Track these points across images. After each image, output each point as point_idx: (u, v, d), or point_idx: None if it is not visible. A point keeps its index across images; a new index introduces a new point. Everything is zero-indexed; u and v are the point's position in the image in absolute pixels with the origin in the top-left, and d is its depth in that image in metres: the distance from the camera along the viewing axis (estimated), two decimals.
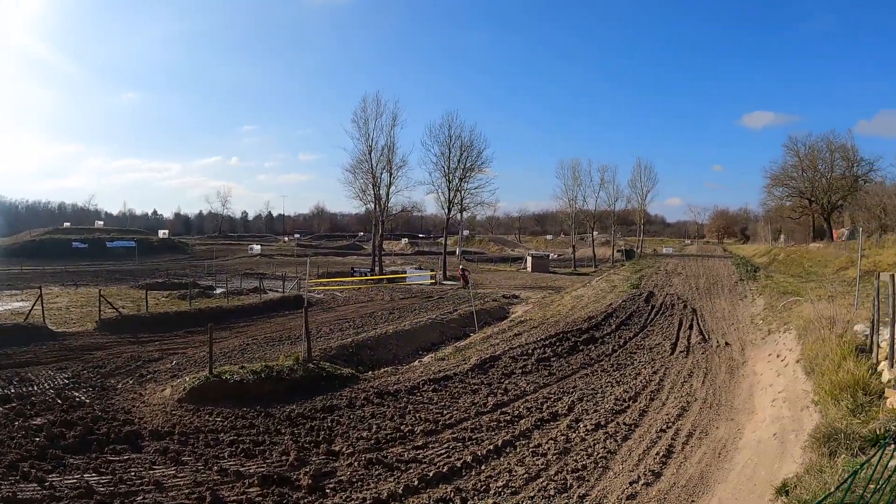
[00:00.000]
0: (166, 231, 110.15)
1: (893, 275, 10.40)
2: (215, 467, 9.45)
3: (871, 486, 4.64)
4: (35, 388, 14.66)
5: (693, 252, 77.99)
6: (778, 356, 15.69)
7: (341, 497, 8.63)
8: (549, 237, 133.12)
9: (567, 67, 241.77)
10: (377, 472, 9.54)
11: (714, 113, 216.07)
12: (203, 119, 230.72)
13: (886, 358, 9.70)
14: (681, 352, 18.74)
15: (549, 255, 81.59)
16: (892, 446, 5.56)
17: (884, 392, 8.83)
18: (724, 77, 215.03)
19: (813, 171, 73.47)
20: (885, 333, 10.31)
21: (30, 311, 23.25)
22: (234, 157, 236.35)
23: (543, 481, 9.28)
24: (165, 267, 62.00)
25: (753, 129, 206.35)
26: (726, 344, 19.47)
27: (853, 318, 14.56)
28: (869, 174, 71.43)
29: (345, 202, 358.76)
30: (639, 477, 9.36)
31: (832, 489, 5.62)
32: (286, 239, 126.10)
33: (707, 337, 20.81)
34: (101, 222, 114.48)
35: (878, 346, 10.83)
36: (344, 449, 10.49)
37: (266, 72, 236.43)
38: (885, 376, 9.31)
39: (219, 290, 39.72)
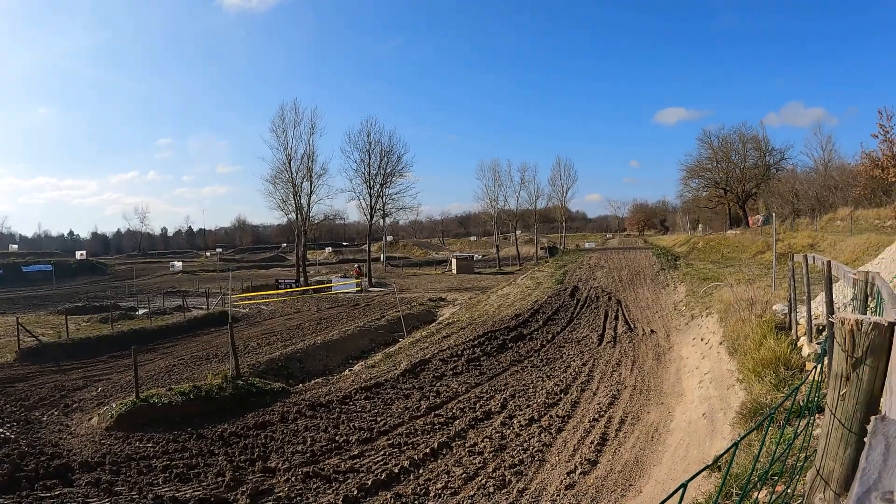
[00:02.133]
0: (84, 252, 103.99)
1: (807, 256, 10.77)
2: (150, 495, 9.01)
3: (802, 455, 4.68)
4: None
5: (615, 245, 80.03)
6: (702, 339, 16.09)
7: None
8: (472, 238, 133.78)
9: (478, 73, 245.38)
10: (315, 486, 9.32)
11: (629, 111, 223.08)
12: (118, 133, 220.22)
13: (805, 333, 10.01)
14: (608, 342, 19.03)
15: (473, 257, 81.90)
16: (816, 416, 5.62)
17: (805, 366, 9.08)
18: (637, 77, 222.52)
19: (727, 163, 76.63)
20: (802, 311, 10.66)
21: None
22: (151, 171, 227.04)
23: (482, 479, 9.23)
24: (85, 290, 58.56)
25: (667, 125, 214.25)
26: (652, 331, 19.90)
27: (771, 298, 15.06)
28: (781, 163, 75.22)
29: (266, 213, 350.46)
30: (576, 467, 9.36)
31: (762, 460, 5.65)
32: (208, 254, 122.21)
33: (633, 326, 21.23)
34: (16, 245, 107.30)
35: (797, 323, 11.20)
36: (280, 465, 10.23)
37: (180, 83, 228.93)
38: (805, 350, 9.60)
39: (141, 311, 38.08)
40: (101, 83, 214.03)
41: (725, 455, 7.17)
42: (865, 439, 1.09)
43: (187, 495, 9.01)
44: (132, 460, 10.68)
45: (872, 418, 0.96)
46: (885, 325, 1.58)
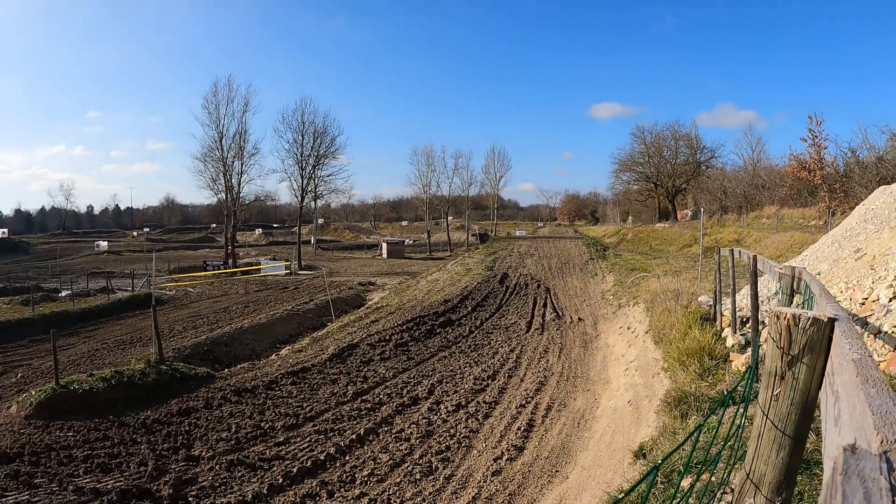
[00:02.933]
0: (5, 230, 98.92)
1: (733, 250, 11.03)
2: (71, 487, 8.65)
3: (717, 443, 4.73)
4: None
5: (546, 234, 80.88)
6: (628, 328, 16.39)
7: None
8: (404, 223, 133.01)
9: (418, 60, 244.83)
10: (240, 474, 9.09)
11: (564, 103, 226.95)
12: (46, 104, 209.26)
13: (729, 325, 10.27)
14: (536, 329, 19.18)
15: (404, 241, 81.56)
16: (739, 405, 5.70)
17: (728, 356, 9.31)
18: (573, 70, 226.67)
19: (659, 158, 78.52)
20: (727, 303, 10.93)
21: None
22: (79, 145, 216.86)
23: (409, 466, 9.15)
24: (5, 270, 55.61)
25: (601, 119, 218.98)
26: (579, 319, 20.17)
27: (697, 290, 15.46)
28: (711, 160, 77.62)
29: (196, 193, 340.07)
30: (502, 453, 9.36)
31: (685, 449, 5.71)
32: (135, 234, 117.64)
33: (561, 314, 21.47)
34: None
35: (722, 315, 11.48)
36: (204, 453, 9.93)
37: (113, 53, 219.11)
38: (729, 341, 9.83)
39: (64, 293, 36.48)
40: (31, 48, 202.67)
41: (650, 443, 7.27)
42: (829, 478, 0.92)
43: (109, 486, 8.68)
44: (52, 450, 10.23)
45: (840, 452, 0.80)
46: (825, 320, 1.49)
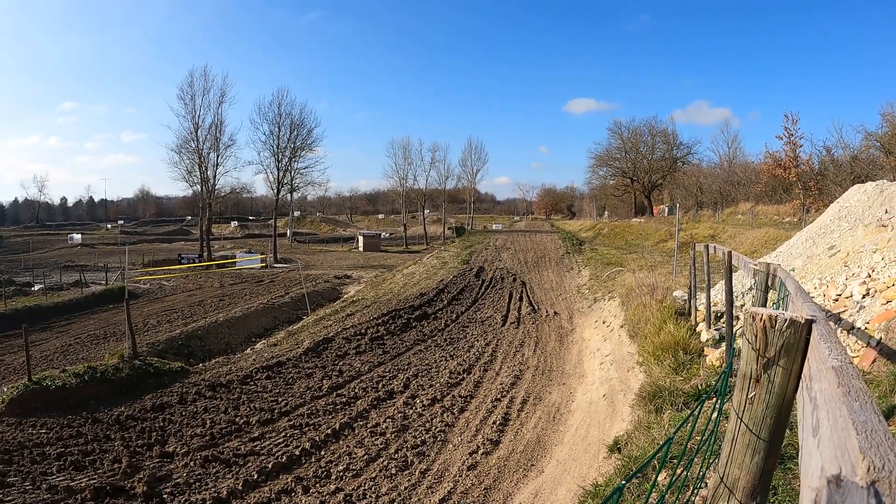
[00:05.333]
0: None
1: (708, 245, 11.11)
2: (44, 485, 8.55)
3: (697, 438, 4.75)
4: None
5: (522, 228, 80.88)
6: (604, 322, 16.46)
7: (179, 501, 8.09)
8: (380, 216, 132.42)
9: (394, 53, 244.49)
10: (215, 470, 9.02)
11: (541, 99, 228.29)
12: (20, 95, 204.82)
13: (704, 320, 10.34)
14: (512, 323, 19.19)
15: (380, 234, 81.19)
16: (714, 399, 5.73)
17: (703, 351, 9.38)
18: (549, 67, 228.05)
19: (635, 153, 78.93)
20: (701, 298, 11.02)
21: None
22: (53, 136, 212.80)
23: (384, 461, 9.11)
24: None
25: (576, 115, 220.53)
26: (555, 313, 20.21)
27: (672, 285, 15.56)
28: (687, 157, 78.19)
29: (171, 185, 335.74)
30: (478, 447, 9.35)
31: (659, 444, 5.73)
32: (109, 226, 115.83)
33: (536, 307, 21.51)
34: None
35: (696, 310, 11.58)
36: (178, 449, 9.84)
37: (90, 43, 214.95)
38: (704, 336, 9.91)
39: (37, 287, 35.87)
40: (5, 37, 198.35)
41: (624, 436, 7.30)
42: None
43: (82, 484, 8.56)
44: (25, 448, 10.06)
45: (824, 485, 0.72)
46: (803, 322, 1.45)
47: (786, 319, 1.47)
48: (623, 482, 1.74)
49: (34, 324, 20.68)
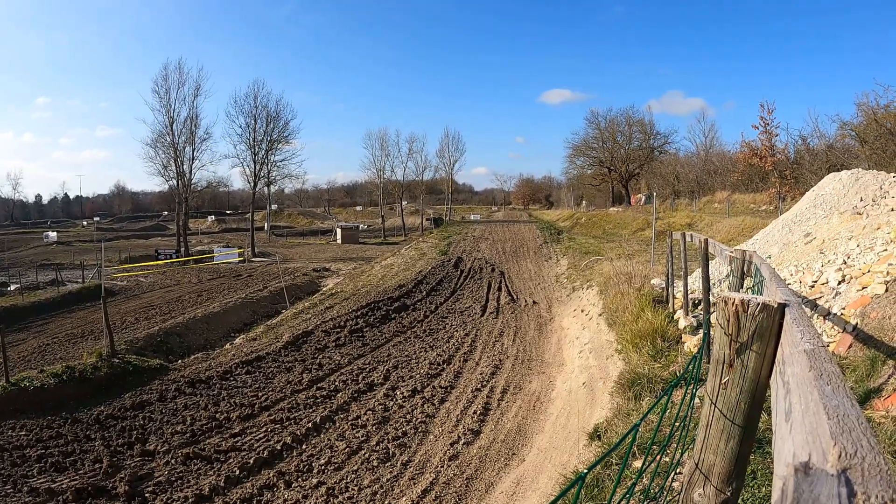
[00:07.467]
0: None
1: (685, 234, 11.19)
2: (25, 488, 8.47)
3: (677, 424, 4.79)
4: None
5: (500, 218, 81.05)
6: (582, 311, 16.54)
7: (162, 500, 8.05)
8: (358, 208, 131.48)
9: (370, 45, 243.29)
10: (196, 467, 8.98)
11: (516, 89, 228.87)
12: None
13: (682, 307, 10.43)
14: (491, 313, 19.21)
15: (358, 226, 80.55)
16: (692, 385, 5.77)
17: (681, 338, 9.46)
18: (524, 57, 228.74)
19: (612, 143, 79.18)
20: (679, 285, 11.11)
21: None
22: (27, 132, 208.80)
23: (366, 453, 9.11)
24: None
25: (552, 105, 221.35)
26: (534, 303, 20.27)
27: (650, 273, 15.67)
28: (664, 146, 78.68)
29: (147, 180, 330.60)
30: (459, 437, 9.37)
31: (639, 430, 5.76)
32: (85, 223, 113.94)
33: (515, 297, 21.56)
34: None
35: (674, 297, 11.67)
36: (159, 447, 9.77)
37: (63, 38, 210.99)
38: (682, 323, 9.99)
39: (13, 287, 35.19)
40: None
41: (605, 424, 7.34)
42: None
43: (64, 486, 8.50)
44: (4, 451, 9.93)
45: (791, 474, 0.72)
46: (775, 306, 1.44)
47: (758, 304, 1.46)
48: (584, 471, 1.73)
49: (11, 324, 20.31)
